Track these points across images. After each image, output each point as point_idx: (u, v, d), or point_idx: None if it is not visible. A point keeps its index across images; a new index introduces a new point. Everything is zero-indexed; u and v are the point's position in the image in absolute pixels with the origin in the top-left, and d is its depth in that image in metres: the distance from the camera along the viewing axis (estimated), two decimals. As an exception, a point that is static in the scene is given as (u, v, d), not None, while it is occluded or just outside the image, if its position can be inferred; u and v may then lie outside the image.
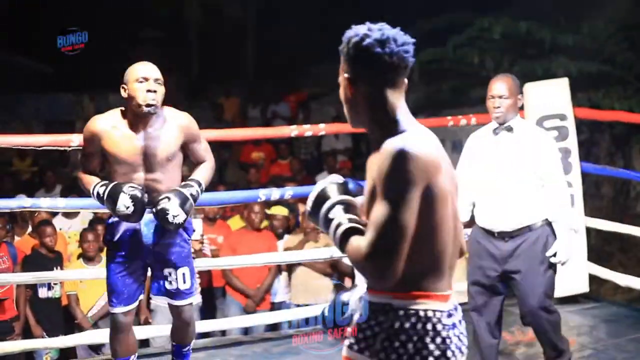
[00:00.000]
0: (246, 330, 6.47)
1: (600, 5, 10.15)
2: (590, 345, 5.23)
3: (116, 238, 4.16)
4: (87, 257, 6.38)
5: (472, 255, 4.47)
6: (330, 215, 2.39)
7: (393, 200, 2.22)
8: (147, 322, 6.41)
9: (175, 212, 3.97)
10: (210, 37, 19.67)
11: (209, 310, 6.87)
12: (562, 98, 6.13)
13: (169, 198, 3.99)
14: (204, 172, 4.22)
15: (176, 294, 4.19)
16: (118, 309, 4.17)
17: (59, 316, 6.46)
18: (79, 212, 7.23)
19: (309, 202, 2.48)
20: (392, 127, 2.35)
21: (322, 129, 6.02)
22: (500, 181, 4.32)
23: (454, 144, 11.06)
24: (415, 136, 2.31)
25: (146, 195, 4.00)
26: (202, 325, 5.55)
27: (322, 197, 2.44)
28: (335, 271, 6.80)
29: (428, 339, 2.32)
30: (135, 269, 4.18)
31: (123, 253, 4.16)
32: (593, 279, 6.42)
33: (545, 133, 4.42)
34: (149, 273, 4.33)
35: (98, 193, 4.03)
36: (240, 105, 15.71)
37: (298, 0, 15.97)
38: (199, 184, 4.14)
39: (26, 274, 5.60)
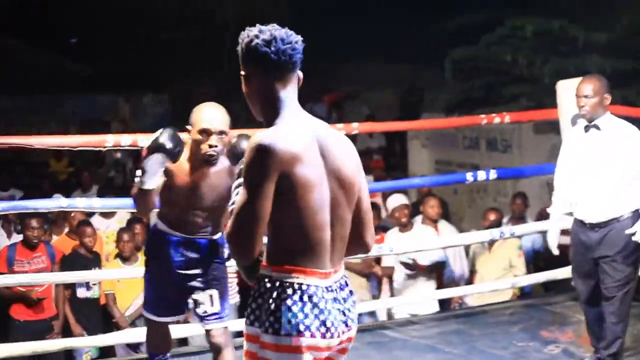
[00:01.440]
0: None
1: (634, 1, 10.06)
2: (630, 345, 5.16)
3: (151, 253, 4.16)
4: (123, 257, 6.43)
5: (572, 246, 4.84)
6: (232, 197, 2.66)
7: (248, 188, 2.47)
8: (186, 321, 6.44)
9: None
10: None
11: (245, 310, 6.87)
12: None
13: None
14: None
15: (205, 317, 4.08)
16: (148, 315, 4.21)
17: (98, 315, 6.52)
18: (115, 212, 7.24)
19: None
20: (273, 120, 2.56)
21: (355, 127, 5.96)
22: (588, 176, 4.64)
23: (488, 142, 11.02)
24: (279, 131, 2.50)
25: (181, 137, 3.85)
26: (237, 324, 5.58)
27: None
28: (371, 273, 6.82)
29: (307, 309, 2.50)
30: (167, 287, 4.09)
31: (155, 270, 4.13)
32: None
33: (634, 131, 4.67)
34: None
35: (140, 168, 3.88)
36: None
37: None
38: None
39: (63, 274, 5.66)
